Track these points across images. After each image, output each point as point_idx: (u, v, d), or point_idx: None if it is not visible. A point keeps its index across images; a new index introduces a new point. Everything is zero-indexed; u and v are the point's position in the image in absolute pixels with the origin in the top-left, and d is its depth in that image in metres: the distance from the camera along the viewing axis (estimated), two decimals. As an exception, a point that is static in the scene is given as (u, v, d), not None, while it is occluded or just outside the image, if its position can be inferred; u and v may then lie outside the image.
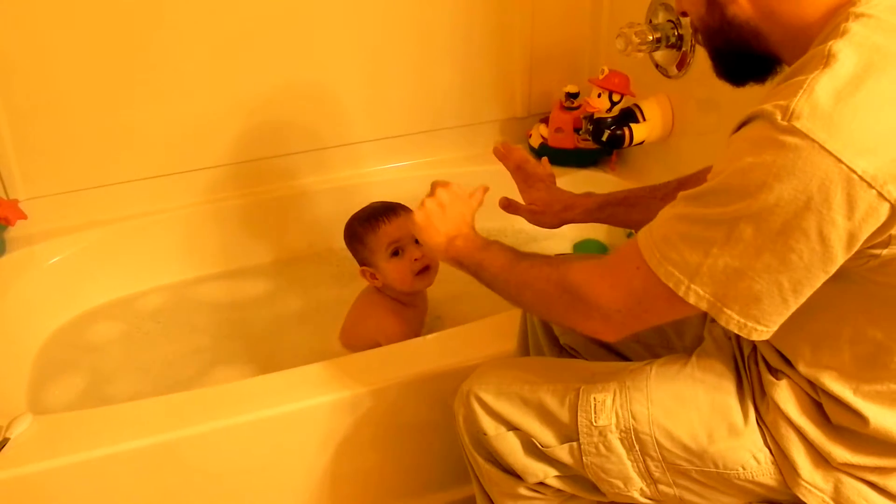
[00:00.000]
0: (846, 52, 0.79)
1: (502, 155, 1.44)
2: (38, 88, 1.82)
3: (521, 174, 1.44)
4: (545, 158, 1.48)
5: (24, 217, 1.88)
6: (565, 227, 1.43)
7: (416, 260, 1.66)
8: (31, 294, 1.87)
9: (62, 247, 1.94)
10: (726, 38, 0.97)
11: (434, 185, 1.27)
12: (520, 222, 1.44)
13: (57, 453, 1.30)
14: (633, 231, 2.00)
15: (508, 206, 1.43)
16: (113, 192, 1.99)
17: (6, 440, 1.30)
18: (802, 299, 0.85)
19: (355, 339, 1.76)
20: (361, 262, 1.73)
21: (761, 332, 0.87)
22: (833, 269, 0.82)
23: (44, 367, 1.81)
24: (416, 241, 1.66)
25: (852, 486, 0.98)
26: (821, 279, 0.83)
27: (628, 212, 1.38)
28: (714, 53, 1.02)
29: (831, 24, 0.85)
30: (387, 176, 2.20)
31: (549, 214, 1.42)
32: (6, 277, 1.85)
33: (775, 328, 0.87)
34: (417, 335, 1.73)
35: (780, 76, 0.89)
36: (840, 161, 0.76)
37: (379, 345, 1.67)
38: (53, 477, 1.30)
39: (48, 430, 1.34)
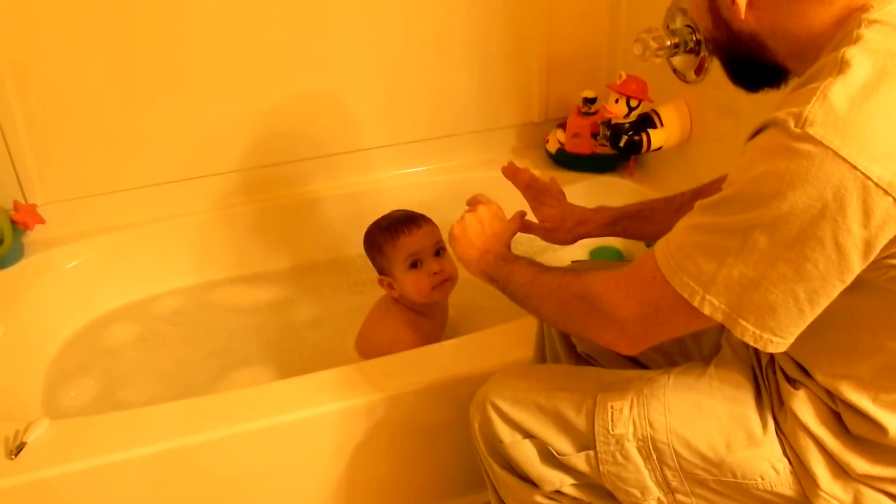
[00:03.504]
0: (860, 58, 0.79)
1: (511, 175, 1.45)
2: (55, 95, 1.83)
3: (531, 192, 1.45)
4: (553, 177, 1.48)
5: (41, 221, 1.89)
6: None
7: (434, 273, 1.65)
8: (48, 298, 1.88)
9: (79, 251, 1.95)
10: (735, 50, 0.98)
11: (476, 201, 1.29)
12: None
13: (73, 458, 1.30)
14: (651, 243, 2.00)
15: (521, 225, 1.42)
16: (129, 196, 1.99)
17: (23, 444, 1.30)
18: (819, 310, 0.84)
19: (370, 348, 1.74)
20: (380, 271, 1.72)
21: (777, 343, 0.86)
22: (850, 279, 0.81)
23: (59, 371, 1.82)
24: (437, 254, 1.66)
25: (872, 498, 0.97)
26: (837, 288, 0.82)
27: (643, 224, 1.37)
28: (726, 62, 1.03)
29: (842, 31, 0.85)
30: (403, 181, 2.20)
31: (562, 231, 1.42)
32: (24, 281, 1.85)
33: (791, 340, 0.86)
34: None
35: (793, 84, 0.88)
36: (855, 168, 0.75)
37: (392, 354, 1.67)
38: (70, 481, 1.31)
39: (65, 435, 1.35)
